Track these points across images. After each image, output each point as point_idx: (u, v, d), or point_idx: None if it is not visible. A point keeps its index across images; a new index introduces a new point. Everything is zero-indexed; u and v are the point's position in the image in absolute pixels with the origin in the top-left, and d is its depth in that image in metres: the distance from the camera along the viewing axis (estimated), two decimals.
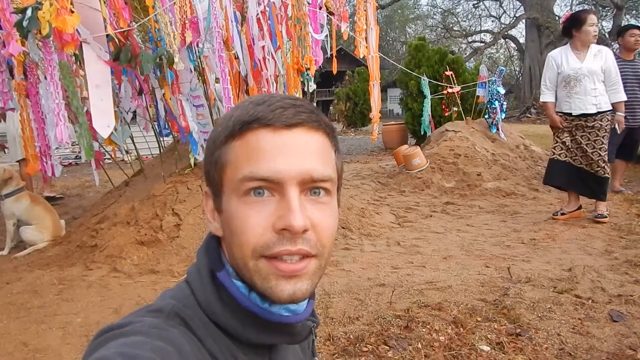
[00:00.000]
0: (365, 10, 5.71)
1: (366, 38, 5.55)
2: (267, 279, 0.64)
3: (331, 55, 5.58)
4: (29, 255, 4.30)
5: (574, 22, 4.65)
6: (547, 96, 4.88)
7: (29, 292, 3.43)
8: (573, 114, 4.70)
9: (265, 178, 0.64)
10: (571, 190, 4.97)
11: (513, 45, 32.48)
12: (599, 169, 4.65)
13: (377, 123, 5.84)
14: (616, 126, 4.78)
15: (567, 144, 4.80)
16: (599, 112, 4.60)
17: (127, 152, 5.62)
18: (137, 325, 0.62)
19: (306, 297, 0.67)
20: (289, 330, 0.71)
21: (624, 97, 4.70)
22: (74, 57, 4.09)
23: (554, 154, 4.93)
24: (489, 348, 2.43)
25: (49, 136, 4.19)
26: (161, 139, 5.46)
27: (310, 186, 0.66)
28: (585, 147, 4.67)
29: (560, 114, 4.78)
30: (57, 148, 4.57)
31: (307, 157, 0.66)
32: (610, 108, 4.65)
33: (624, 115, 4.81)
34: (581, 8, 25.78)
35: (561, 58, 4.73)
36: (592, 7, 23.92)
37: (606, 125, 4.62)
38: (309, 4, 4.75)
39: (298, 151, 0.65)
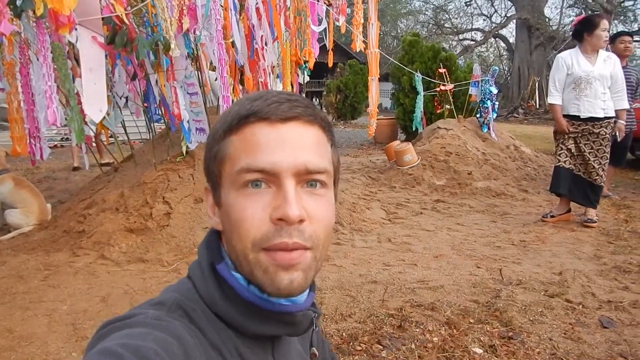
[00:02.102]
0: (362, 4, 5.67)
1: (366, 33, 5.51)
2: (267, 271, 0.66)
3: (327, 47, 5.54)
4: (13, 239, 4.21)
5: (586, 26, 4.59)
6: (555, 98, 4.77)
7: (14, 277, 3.35)
8: (581, 117, 4.64)
9: (261, 169, 0.65)
10: (571, 198, 4.93)
11: (503, 44, 32.64)
12: (597, 177, 4.67)
13: (374, 118, 5.81)
14: (616, 133, 4.79)
15: (572, 150, 4.76)
16: (605, 118, 4.60)
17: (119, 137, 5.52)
18: (139, 317, 0.63)
19: (303, 289, 0.68)
20: (289, 320, 0.72)
21: (627, 105, 4.73)
22: (67, 39, 3.99)
23: (559, 161, 4.85)
24: (481, 350, 2.43)
25: (38, 118, 4.09)
26: (152, 124, 5.37)
27: (306, 178, 0.67)
28: (587, 155, 4.67)
29: (567, 118, 4.72)
30: (45, 130, 4.46)
31: (303, 149, 0.67)
32: (614, 115, 4.66)
33: (625, 123, 4.83)
34: (572, 11, 26.03)
35: (571, 60, 4.67)
36: (582, 11, 24.08)
37: (609, 134, 4.64)
38: None
39: (293, 144, 0.67)
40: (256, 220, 0.65)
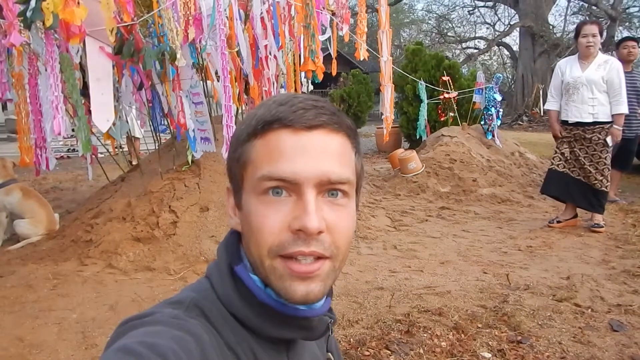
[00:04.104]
0: (365, 13, 5.70)
1: (369, 42, 5.54)
2: (281, 279, 0.65)
3: (331, 56, 5.57)
4: (22, 248, 4.23)
5: (575, 33, 4.77)
6: (550, 104, 4.96)
7: (23, 286, 3.37)
8: (569, 122, 4.75)
9: (283, 178, 0.65)
10: (569, 201, 4.99)
11: (506, 52, 32.61)
12: (595, 181, 4.68)
13: (390, 125, 5.83)
14: (607, 139, 4.63)
15: (565, 155, 4.84)
16: (595, 122, 4.60)
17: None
18: (157, 315, 0.64)
19: (319, 299, 0.67)
20: (305, 324, 0.72)
21: (623, 110, 4.60)
22: (76, 50, 4.03)
23: (552, 164, 4.99)
24: (490, 355, 2.43)
25: (45, 128, 4.13)
26: (158, 134, 5.40)
27: (328, 188, 0.66)
28: (583, 159, 4.71)
29: (562, 123, 4.84)
30: (51, 141, 4.49)
31: (326, 159, 0.66)
32: (610, 120, 4.61)
33: (621, 128, 4.68)
34: (575, 18, 26.06)
35: (566, 66, 4.80)
36: (586, 18, 24.08)
37: (604, 139, 4.61)
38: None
39: (317, 153, 0.66)
40: (275, 228, 0.65)
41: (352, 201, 0.71)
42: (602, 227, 4.74)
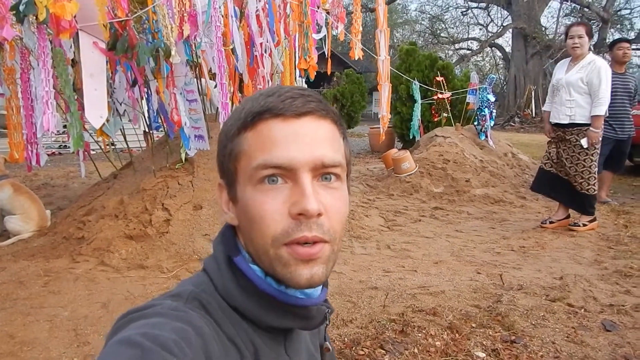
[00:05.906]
0: (360, 12, 5.71)
1: (363, 41, 5.54)
2: (287, 265, 0.66)
3: (325, 55, 5.56)
4: (13, 245, 4.20)
5: (564, 35, 4.85)
6: (546, 105, 5.07)
7: (14, 282, 3.34)
8: (552, 123, 4.85)
9: (278, 165, 0.66)
10: (559, 200, 5.07)
11: (499, 54, 32.73)
12: (576, 184, 4.74)
13: (386, 124, 5.85)
14: (582, 140, 4.57)
15: (552, 155, 4.93)
16: (573, 124, 4.64)
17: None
18: (157, 307, 0.64)
19: (322, 281, 0.69)
20: (304, 313, 0.74)
21: (599, 112, 4.50)
22: (69, 45, 4.00)
23: (542, 162, 5.11)
24: (484, 354, 2.43)
25: (36, 124, 4.09)
26: (151, 131, 5.37)
27: (322, 172, 0.68)
28: (564, 160, 4.79)
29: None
30: (42, 136, 4.45)
31: (318, 143, 0.68)
32: (589, 122, 4.55)
33: (597, 131, 4.52)
34: (567, 20, 26.20)
35: (556, 68, 4.90)
36: (578, 20, 24.23)
37: (581, 141, 4.61)
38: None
39: (309, 138, 0.68)
40: (276, 215, 0.66)
41: (344, 185, 0.73)
42: (579, 226, 4.79)
